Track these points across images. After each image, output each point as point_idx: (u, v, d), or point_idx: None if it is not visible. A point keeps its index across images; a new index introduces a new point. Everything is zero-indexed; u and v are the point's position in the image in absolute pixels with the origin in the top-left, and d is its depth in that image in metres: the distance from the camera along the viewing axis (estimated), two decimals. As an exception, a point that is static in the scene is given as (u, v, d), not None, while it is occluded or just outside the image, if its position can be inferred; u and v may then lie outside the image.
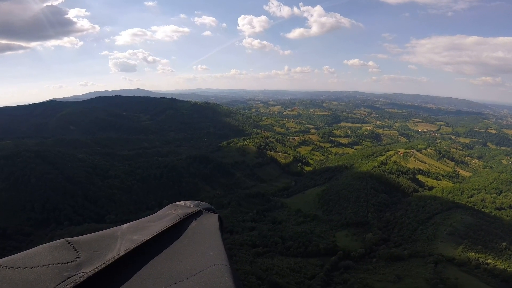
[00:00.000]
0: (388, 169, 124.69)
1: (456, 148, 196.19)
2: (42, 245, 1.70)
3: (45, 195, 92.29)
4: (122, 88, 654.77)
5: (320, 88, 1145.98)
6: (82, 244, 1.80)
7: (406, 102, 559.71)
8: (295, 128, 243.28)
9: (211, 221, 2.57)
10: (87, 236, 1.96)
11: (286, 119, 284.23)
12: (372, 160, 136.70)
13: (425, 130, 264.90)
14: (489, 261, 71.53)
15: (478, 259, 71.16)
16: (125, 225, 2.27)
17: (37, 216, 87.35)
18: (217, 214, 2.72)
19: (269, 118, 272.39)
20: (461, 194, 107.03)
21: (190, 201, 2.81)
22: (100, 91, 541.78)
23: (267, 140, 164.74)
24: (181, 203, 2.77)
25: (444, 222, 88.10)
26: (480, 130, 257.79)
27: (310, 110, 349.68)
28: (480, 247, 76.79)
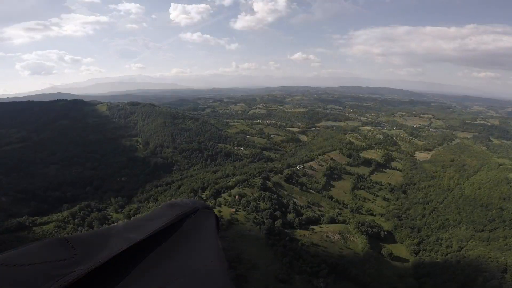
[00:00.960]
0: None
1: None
2: (37, 242, 1.69)
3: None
4: (36, 93, 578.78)
5: (269, 84, 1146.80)
6: (78, 242, 1.79)
7: (356, 94, 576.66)
8: (278, 135, 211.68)
9: (207, 219, 2.61)
10: (83, 234, 1.99)
11: (258, 120, 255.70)
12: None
13: (419, 125, 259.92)
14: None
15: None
16: (121, 224, 2.29)
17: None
18: (213, 213, 2.76)
19: (236, 122, 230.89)
20: None
21: (186, 199, 2.82)
22: (8, 96, 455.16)
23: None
24: (178, 201, 2.76)
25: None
26: (472, 122, 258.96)
27: (279, 106, 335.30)
28: None
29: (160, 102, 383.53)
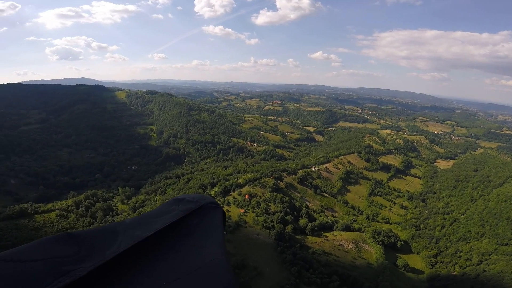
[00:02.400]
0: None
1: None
2: (42, 238, 1.69)
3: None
4: (63, 77, 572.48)
5: (287, 82, 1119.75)
6: (83, 238, 1.81)
7: (376, 96, 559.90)
8: (293, 133, 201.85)
9: (213, 216, 2.62)
10: (88, 230, 1.99)
11: (272, 117, 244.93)
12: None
13: (440, 131, 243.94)
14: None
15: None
16: (128, 220, 2.34)
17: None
18: (220, 209, 2.76)
19: (251, 117, 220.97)
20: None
21: (193, 194, 2.82)
22: (35, 80, 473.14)
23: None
24: (185, 196, 2.78)
25: None
26: (497, 131, 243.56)
27: (295, 104, 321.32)
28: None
29: (178, 92, 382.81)
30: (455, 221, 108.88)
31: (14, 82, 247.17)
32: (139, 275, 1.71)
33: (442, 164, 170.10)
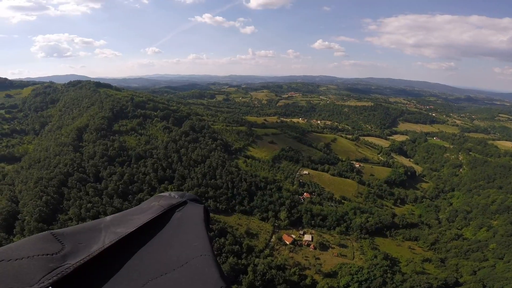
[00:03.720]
0: None
1: None
2: (25, 238, 1.63)
3: None
4: (62, 74, 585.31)
5: (288, 73, 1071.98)
6: (66, 236, 1.74)
7: (393, 86, 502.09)
8: (365, 161, 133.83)
9: (196, 211, 2.50)
10: (71, 228, 1.91)
11: (299, 119, 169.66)
12: None
13: None
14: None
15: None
16: (108, 218, 2.20)
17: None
18: (203, 205, 2.64)
19: (268, 124, 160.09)
20: None
21: (174, 191, 2.69)
22: (30, 77, 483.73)
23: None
24: (166, 194, 2.68)
25: None
26: None
27: (320, 97, 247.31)
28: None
29: (170, 85, 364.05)
30: None
31: (10, 79, 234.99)
32: (125, 271, 1.66)
33: None
